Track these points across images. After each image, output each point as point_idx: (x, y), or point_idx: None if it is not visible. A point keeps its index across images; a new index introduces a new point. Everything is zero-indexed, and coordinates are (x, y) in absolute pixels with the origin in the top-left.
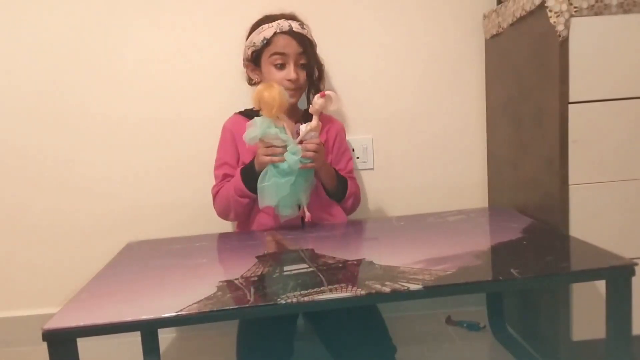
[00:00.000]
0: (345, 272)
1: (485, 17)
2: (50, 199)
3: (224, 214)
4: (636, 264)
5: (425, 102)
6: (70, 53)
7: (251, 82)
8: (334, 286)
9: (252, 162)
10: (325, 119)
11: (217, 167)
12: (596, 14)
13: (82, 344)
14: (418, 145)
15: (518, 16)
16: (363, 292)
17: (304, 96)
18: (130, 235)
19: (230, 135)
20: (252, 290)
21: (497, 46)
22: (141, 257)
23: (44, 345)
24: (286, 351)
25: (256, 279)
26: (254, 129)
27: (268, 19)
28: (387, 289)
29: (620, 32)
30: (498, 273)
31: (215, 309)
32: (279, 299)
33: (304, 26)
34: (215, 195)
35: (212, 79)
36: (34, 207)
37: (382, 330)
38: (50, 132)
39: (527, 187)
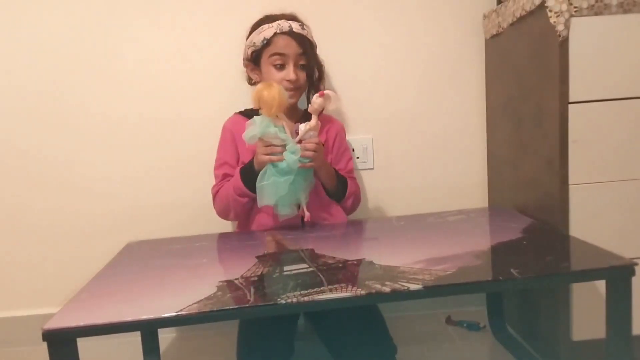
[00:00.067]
0: (345, 272)
1: (485, 17)
2: (50, 199)
3: (223, 214)
4: (636, 264)
5: (425, 102)
6: (70, 53)
7: (251, 82)
8: (334, 286)
9: (251, 162)
10: (325, 119)
11: (217, 167)
12: (596, 14)
13: (82, 344)
14: (418, 145)
15: (518, 16)
16: (363, 292)
17: (304, 96)
18: (130, 235)
19: (230, 135)
20: (252, 290)
21: (497, 46)
22: (141, 257)
23: (44, 345)
24: (286, 351)
25: (256, 279)
26: (254, 128)
27: (268, 19)
28: (387, 289)
29: (620, 32)
30: (498, 273)
31: (215, 309)
32: (279, 299)
33: (304, 27)
34: (215, 195)
35: (212, 79)
36: (34, 207)
37: (383, 330)
38: (50, 132)
39: (527, 187)
